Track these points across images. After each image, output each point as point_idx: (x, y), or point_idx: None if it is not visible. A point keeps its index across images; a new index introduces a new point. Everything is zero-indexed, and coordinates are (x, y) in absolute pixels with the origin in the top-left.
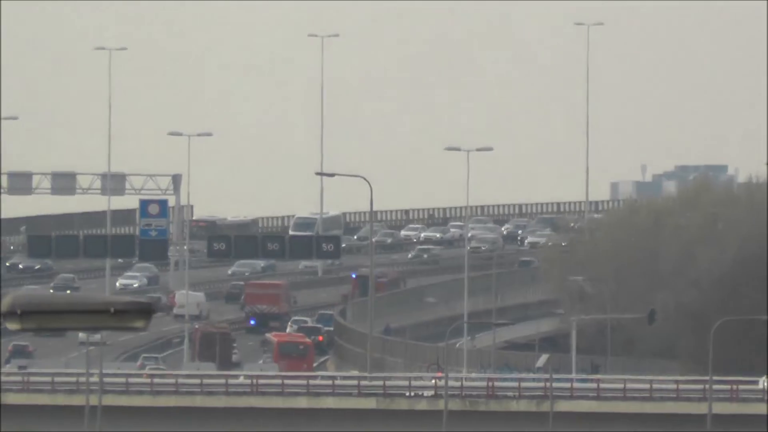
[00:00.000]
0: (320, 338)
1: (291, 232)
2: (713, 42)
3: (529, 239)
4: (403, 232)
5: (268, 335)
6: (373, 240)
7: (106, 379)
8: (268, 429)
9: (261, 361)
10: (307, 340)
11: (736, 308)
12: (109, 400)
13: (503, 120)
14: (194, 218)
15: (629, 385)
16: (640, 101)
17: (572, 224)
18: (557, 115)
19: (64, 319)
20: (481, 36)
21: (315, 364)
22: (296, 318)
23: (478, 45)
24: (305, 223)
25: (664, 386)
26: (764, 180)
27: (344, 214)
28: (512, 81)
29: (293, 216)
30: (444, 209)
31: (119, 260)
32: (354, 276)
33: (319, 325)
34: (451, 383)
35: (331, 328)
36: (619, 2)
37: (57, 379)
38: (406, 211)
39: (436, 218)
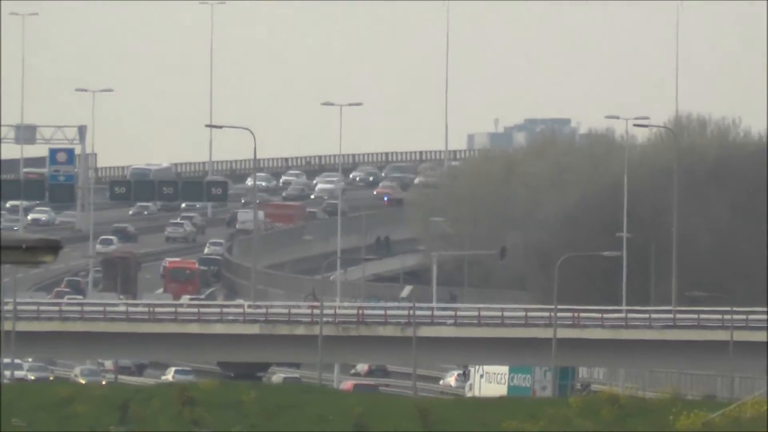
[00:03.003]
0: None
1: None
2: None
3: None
4: (283, 177)
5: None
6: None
7: (20, 308)
8: (162, 352)
9: (160, 290)
10: (195, 265)
11: (578, 246)
12: (22, 326)
13: (373, 77)
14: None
15: (483, 313)
16: (492, 60)
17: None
18: (421, 73)
19: None
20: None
21: (204, 294)
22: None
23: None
24: (141, 173)
25: (514, 314)
26: (603, 132)
27: (231, 161)
28: (384, 40)
29: (185, 163)
30: (320, 157)
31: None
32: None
33: (216, 257)
34: (325, 311)
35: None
36: None
37: None
38: (286, 159)
39: (312, 165)
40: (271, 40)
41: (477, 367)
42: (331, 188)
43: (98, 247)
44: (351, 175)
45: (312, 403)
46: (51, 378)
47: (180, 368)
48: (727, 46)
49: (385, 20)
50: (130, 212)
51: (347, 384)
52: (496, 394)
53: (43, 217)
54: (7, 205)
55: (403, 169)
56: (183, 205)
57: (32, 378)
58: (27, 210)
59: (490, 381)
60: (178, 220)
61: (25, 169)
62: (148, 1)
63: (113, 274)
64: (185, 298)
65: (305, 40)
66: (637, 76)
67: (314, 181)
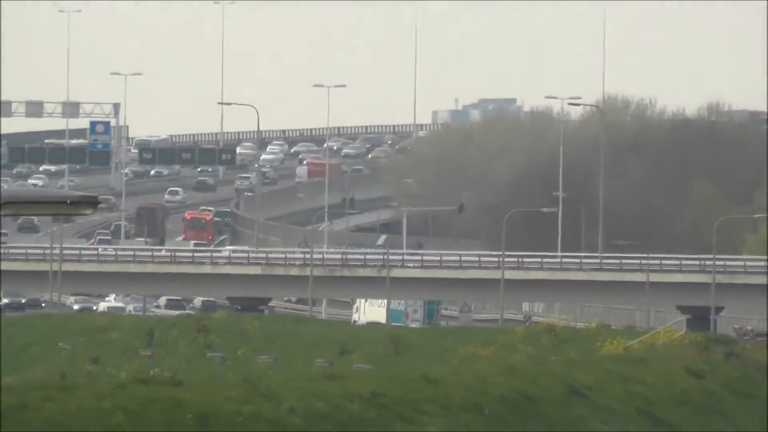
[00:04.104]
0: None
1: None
2: (506, 5)
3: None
4: (268, 147)
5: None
6: (259, 152)
7: (65, 251)
8: (181, 289)
9: (180, 237)
10: (209, 217)
11: (522, 203)
12: (67, 266)
13: (356, 62)
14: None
15: (444, 258)
16: (453, 48)
17: (389, 142)
18: (394, 59)
19: (35, 207)
20: None
21: (216, 241)
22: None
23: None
24: (143, 143)
25: (470, 258)
26: (543, 109)
27: (238, 132)
28: (366, 33)
29: (201, 133)
30: (311, 129)
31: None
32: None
33: (226, 209)
34: (315, 256)
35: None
36: None
37: (29, 251)
38: (284, 131)
39: (305, 136)
40: (272, 32)
41: None
42: (271, 158)
43: (166, 196)
44: (325, 145)
45: (304, 332)
46: (43, 306)
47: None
48: (646, 38)
49: (365, 18)
50: (152, 173)
51: None
52: (377, 317)
53: (39, 182)
54: (52, 168)
55: (371, 140)
56: (198, 169)
57: (76, 308)
58: (27, 176)
59: (373, 305)
60: (245, 174)
61: (46, 140)
62: (170, 1)
63: (144, 222)
64: (191, 244)
65: (301, 32)
66: (572, 62)
67: (291, 150)
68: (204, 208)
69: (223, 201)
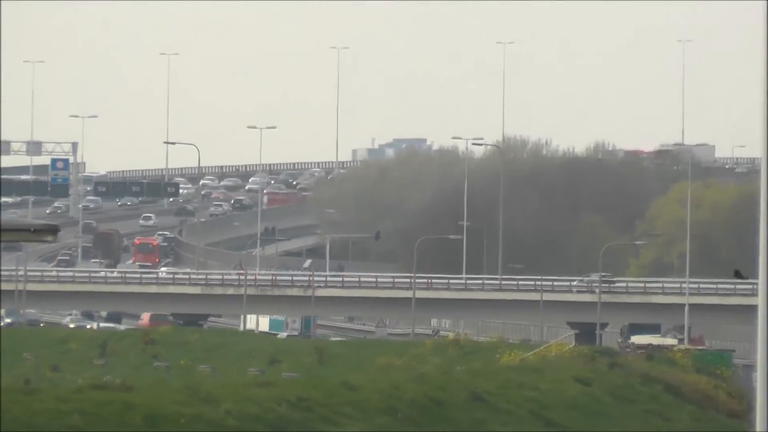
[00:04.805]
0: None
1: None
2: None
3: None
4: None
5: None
6: (201, 183)
7: (29, 273)
8: (131, 306)
9: (131, 261)
10: (155, 242)
11: (432, 231)
12: (31, 286)
13: (285, 105)
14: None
15: (363, 279)
16: (369, 93)
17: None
18: (318, 103)
19: (3, 235)
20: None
21: (162, 264)
22: (159, 233)
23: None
24: (86, 179)
25: (385, 279)
26: (450, 148)
27: (181, 168)
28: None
29: (148, 169)
30: (245, 166)
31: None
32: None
33: (171, 235)
34: (249, 277)
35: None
36: None
37: None
38: (221, 167)
39: (240, 172)
40: (212, 79)
41: None
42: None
43: (140, 221)
44: (251, 180)
45: (239, 344)
46: (41, 325)
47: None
48: (543, 84)
49: (294, 65)
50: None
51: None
52: (262, 326)
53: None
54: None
55: (293, 175)
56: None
57: (42, 324)
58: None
59: (259, 315)
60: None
61: (3, 176)
62: (123, 53)
63: (100, 246)
64: (135, 266)
65: (233, 77)
66: (474, 105)
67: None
68: (160, 233)
69: (192, 225)
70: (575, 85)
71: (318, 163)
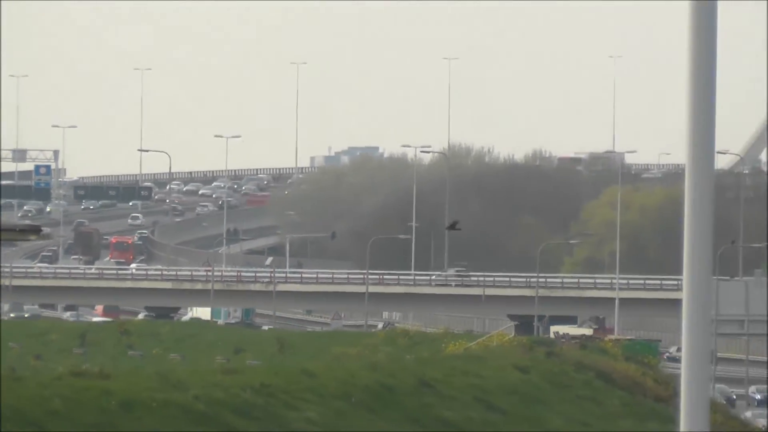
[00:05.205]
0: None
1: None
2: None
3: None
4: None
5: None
6: (173, 186)
7: (15, 269)
8: (108, 299)
9: (107, 258)
10: (130, 240)
11: (383, 231)
12: (16, 282)
13: (248, 113)
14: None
15: (320, 275)
16: (327, 102)
17: (266, 182)
18: (280, 113)
19: None
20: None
21: (137, 261)
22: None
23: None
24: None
25: (340, 275)
26: (400, 155)
27: (153, 173)
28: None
29: (123, 174)
30: (204, 172)
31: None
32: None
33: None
34: (216, 273)
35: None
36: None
37: None
38: (190, 173)
39: (208, 177)
40: (184, 91)
41: None
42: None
43: (129, 221)
44: (213, 184)
45: (206, 335)
46: (26, 315)
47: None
48: (486, 94)
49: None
50: (82, 207)
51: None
52: (205, 314)
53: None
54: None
55: (255, 180)
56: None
57: (26, 316)
58: None
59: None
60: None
61: None
62: (101, 68)
63: (80, 243)
64: (111, 263)
65: (202, 91)
66: (423, 115)
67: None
68: (140, 232)
69: (164, 226)
70: (515, 97)
71: (279, 169)
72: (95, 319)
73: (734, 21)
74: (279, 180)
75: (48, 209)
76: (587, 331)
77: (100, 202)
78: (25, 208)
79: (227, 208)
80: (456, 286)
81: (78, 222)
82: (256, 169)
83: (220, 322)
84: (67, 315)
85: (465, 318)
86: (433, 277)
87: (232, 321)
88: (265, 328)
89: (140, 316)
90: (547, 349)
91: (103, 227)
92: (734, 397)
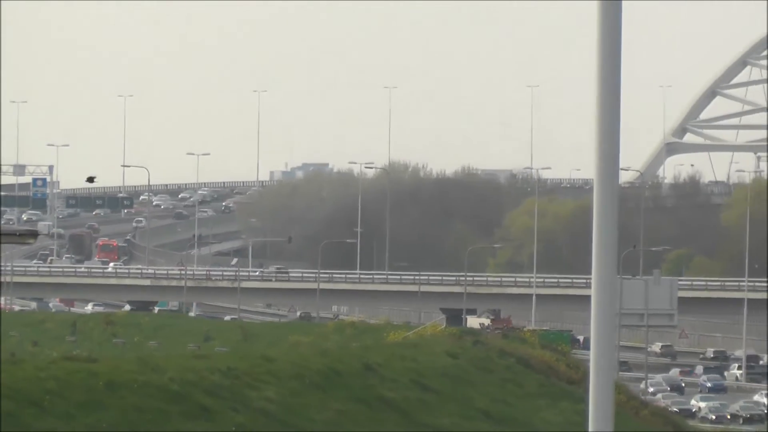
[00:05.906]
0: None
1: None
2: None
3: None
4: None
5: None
6: (149, 196)
7: (15, 267)
8: (95, 294)
9: (95, 257)
10: (115, 243)
11: (333, 236)
12: (17, 278)
13: (216, 131)
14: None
15: (278, 275)
16: (282, 121)
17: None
18: (242, 131)
19: None
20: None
21: (121, 261)
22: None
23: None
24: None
25: (295, 274)
26: (347, 170)
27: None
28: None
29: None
30: (178, 184)
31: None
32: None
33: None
34: (188, 272)
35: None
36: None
37: None
38: (166, 185)
39: (182, 188)
40: (164, 116)
41: None
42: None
43: (133, 224)
44: (180, 195)
45: (180, 324)
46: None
47: (98, 303)
48: (421, 116)
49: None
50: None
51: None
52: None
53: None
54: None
55: (218, 192)
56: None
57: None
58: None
59: None
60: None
61: None
62: (89, 92)
63: (74, 245)
64: (98, 262)
65: (179, 112)
66: (367, 135)
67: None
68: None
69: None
70: (447, 120)
71: (242, 182)
72: (73, 310)
73: (634, 62)
74: (242, 191)
75: (56, 216)
76: (486, 321)
77: (110, 210)
78: (6, 216)
79: (197, 216)
80: (395, 283)
81: (89, 225)
82: (223, 182)
83: (155, 310)
84: (88, 307)
85: (403, 311)
86: (376, 276)
87: (172, 309)
88: (192, 314)
89: (126, 308)
90: (474, 338)
91: (109, 230)
92: (683, 384)
